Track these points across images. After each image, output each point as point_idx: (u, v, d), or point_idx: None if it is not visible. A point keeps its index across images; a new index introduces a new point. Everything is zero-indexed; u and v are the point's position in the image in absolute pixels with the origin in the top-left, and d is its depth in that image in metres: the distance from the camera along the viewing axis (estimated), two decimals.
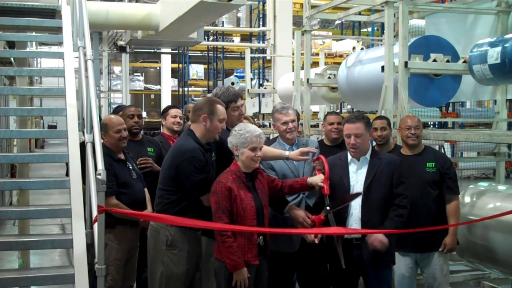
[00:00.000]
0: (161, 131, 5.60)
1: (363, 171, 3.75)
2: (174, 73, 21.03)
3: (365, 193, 3.66)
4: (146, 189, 4.31)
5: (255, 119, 6.85)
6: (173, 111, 5.32)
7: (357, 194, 3.65)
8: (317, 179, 3.69)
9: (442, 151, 11.32)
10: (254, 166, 3.52)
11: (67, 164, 5.06)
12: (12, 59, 7.98)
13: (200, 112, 3.63)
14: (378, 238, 3.57)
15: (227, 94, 3.91)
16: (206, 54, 18.24)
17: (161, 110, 5.83)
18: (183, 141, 3.67)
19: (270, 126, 7.28)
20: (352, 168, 3.79)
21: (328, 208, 3.60)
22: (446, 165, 4.23)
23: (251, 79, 12.44)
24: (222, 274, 3.41)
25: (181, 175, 3.52)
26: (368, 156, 3.78)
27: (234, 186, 3.39)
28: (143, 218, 4.00)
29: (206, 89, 18.56)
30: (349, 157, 3.82)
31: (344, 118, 3.97)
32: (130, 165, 4.30)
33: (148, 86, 23.55)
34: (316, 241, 3.65)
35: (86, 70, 4.08)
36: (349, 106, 14.97)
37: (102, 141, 4.23)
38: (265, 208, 3.53)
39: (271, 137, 5.26)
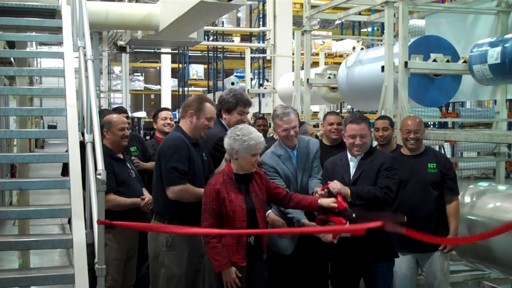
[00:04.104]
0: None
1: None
2: (174, 73, 21.05)
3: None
4: (144, 188, 4.31)
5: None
6: (163, 114, 5.37)
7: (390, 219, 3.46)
8: (329, 200, 3.57)
9: (442, 151, 11.33)
10: (251, 170, 3.47)
11: (63, 164, 5.08)
12: (12, 59, 7.98)
13: (188, 108, 3.67)
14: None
15: (239, 96, 3.97)
16: (206, 54, 18.25)
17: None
18: (169, 134, 3.77)
19: (271, 126, 7.27)
20: (351, 167, 3.82)
21: (354, 215, 3.50)
22: (447, 166, 4.23)
23: (251, 79, 12.45)
24: (214, 274, 3.42)
25: (161, 162, 3.56)
26: (362, 154, 3.81)
27: (223, 188, 3.35)
28: (140, 228, 3.96)
29: (206, 89, 18.57)
30: (349, 156, 3.85)
31: (347, 119, 3.94)
32: (128, 164, 4.32)
33: (148, 86, 23.58)
34: (335, 241, 3.57)
35: (86, 70, 4.07)
36: (349, 106, 14.98)
37: (102, 140, 4.25)
38: (258, 212, 3.46)
39: (274, 137, 5.23)
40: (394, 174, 3.72)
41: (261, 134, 3.48)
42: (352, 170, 3.80)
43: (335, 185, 3.61)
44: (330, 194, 3.63)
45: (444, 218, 4.18)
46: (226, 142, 3.45)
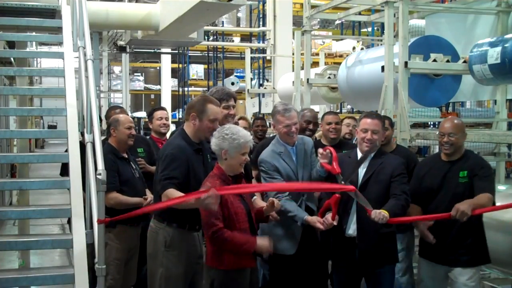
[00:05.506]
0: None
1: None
2: (174, 73, 21.01)
3: (360, 189, 3.62)
4: (148, 189, 4.31)
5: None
6: (158, 113, 5.29)
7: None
8: (270, 210, 3.54)
9: None
10: (240, 170, 3.42)
11: (62, 164, 5.09)
12: (12, 59, 7.98)
13: (191, 110, 3.62)
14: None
15: (221, 92, 3.94)
16: (206, 54, 18.22)
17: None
18: (172, 139, 3.71)
19: (270, 126, 7.26)
20: (360, 166, 3.75)
21: (343, 182, 3.55)
22: (478, 167, 3.76)
23: (251, 79, 12.44)
24: (219, 282, 3.30)
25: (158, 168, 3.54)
26: (373, 154, 3.77)
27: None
28: (142, 212, 3.91)
29: (206, 89, 18.56)
30: (359, 155, 3.79)
31: (362, 114, 3.91)
32: (132, 164, 4.34)
33: (148, 86, 23.57)
34: (335, 223, 3.54)
35: (86, 70, 4.08)
36: (349, 106, 14.98)
37: (107, 139, 4.26)
38: (252, 212, 3.45)
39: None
40: (406, 180, 3.69)
41: (248, 133, 3.43)
42: (361, 170, 3.73)
43: (375, 214, 3.41)
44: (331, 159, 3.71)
45: (475, 231, 3.78)
46: (214, 142, 3.34)
